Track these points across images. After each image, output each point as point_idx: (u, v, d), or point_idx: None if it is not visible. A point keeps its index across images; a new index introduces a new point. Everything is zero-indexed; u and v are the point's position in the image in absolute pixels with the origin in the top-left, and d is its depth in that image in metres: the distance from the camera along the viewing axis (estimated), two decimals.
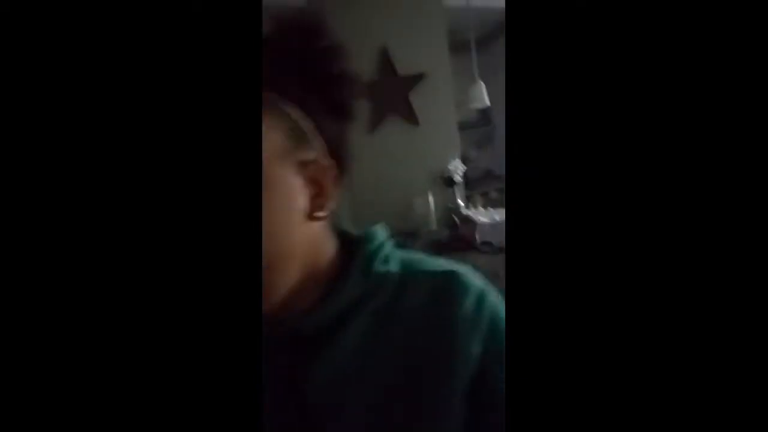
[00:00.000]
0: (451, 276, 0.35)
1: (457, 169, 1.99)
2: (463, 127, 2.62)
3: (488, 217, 1.67)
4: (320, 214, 0.32)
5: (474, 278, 0.37)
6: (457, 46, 2.34)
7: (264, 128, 0.29)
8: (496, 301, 0.37)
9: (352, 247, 0.35)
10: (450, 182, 2.00)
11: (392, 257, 0.36)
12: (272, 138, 0.29)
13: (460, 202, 2.03)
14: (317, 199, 0.32)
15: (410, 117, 2.03)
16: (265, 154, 0.29)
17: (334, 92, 0.33)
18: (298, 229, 0.31)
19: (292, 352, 0.32)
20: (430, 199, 1.98)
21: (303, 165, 0.31)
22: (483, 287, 0.36)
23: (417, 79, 2.02)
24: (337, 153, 0.33)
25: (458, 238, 1.78)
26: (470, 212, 1.83)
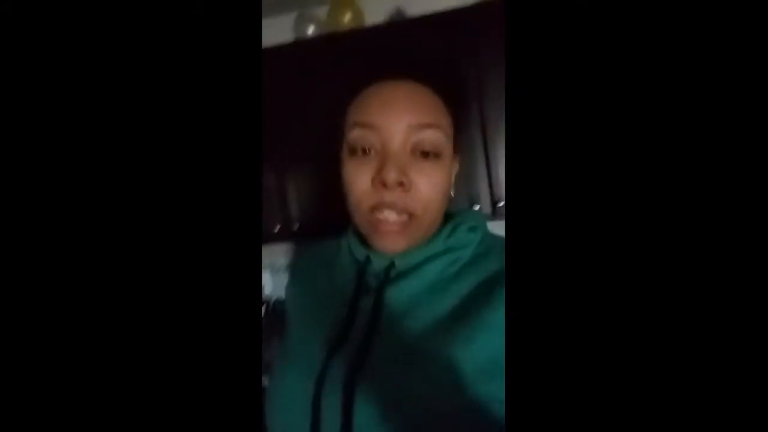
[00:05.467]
0: None
1: None
2: None
3: None
4: (450, 194, 0.50)
5: None
6: None
7: (452, 134, 0.47)
8: None
9: (453, 217, 0.52)
10: None
11: (478, 228, 0.50)
12: (449, 144, 0.47)
13: None
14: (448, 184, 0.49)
15: None
16: (449, 151, 0.47)
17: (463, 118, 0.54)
18: (443, 199, 0.48)
19: (385, 278, 0.48)
20: None
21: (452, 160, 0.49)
22: None
23: None
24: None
25: None
26: None
